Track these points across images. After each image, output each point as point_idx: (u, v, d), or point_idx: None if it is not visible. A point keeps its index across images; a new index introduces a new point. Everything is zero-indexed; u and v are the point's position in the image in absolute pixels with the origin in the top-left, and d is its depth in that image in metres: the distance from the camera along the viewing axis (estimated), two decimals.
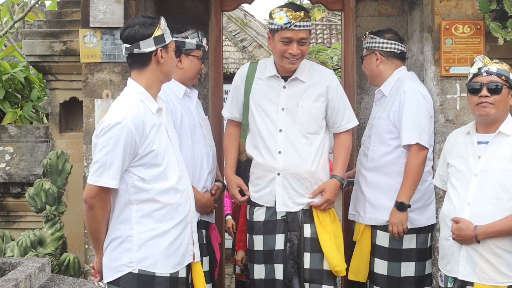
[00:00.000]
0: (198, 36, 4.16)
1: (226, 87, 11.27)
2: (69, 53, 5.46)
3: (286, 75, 4.15)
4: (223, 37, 12.04)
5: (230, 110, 4.37)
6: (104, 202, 3.17)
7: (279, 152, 4.10)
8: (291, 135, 4.10)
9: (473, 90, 3.63)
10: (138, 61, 3.29)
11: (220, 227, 5.43)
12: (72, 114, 5.73)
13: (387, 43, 4.42)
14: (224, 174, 4.42)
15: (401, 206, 4.18)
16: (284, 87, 4.15)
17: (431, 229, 4.42)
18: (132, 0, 4.72)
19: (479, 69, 3.64)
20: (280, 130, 4.11)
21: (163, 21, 3.33)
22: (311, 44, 16.57)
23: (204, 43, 4.21)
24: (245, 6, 10.73)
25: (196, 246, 3.44)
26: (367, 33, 4.58)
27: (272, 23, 4.03)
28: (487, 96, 3.58)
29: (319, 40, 16.93)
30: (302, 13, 3.99)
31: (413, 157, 4.21)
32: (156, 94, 3.36)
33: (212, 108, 5.53)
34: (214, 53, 5.52)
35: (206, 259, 4.17)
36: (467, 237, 3.52)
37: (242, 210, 5.75)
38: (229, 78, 11.45)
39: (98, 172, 3.13)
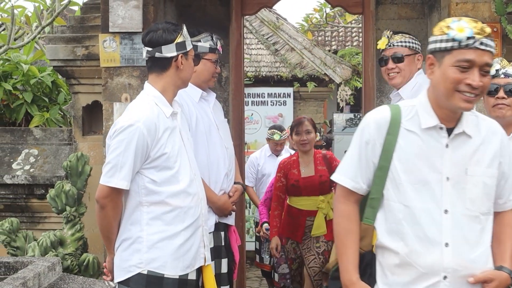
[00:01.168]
0: (212, 39, 4.15)
1: (259, 90, 11.45)
2: (91, 57, 5.53)
3: (447, 127, 2.74)
4: (256, 40, 12.21)
5: (354, 178, 2.80)
6: (115, 202, 3.22)
7: (446, 245, 2.66)
8: (460, 218, 2.70)
9: (490, 92, 3.60)
10: (158, 65, 3.35)
11: (240, 230, 5.45)
12: (94, 117, 5.81)
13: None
14: (344, 278, 2.79)
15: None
16: (447, 145, 2.71)
17: None
18: (151, 6, 4.79)
19: (497, 71, 3.61)
20: (446, 211, 2.68)
21: (185, 29, 3.39)
22: (346, 47, 16.41)
23: (218, 46, 4.20)
24: (277, 9, 10.74)
25: (207, 249, 3.45)
26: (391, 32, 4.39)
27: (442, 39, 2.62)
28: (504, 98, 3.55)
29: (355, 43, 16.77)
30: (487, 28, 2.62)
31: None
32: (171, 99, 3.40)
33: (233, 112, 5.56)
34: (235, 57, 5.56)
35: (224, 261, 4.17)
36: None
37: (275, 193, 5.67)
38: (261, 81, 11.66)
39: (110, 173, 3.17)
